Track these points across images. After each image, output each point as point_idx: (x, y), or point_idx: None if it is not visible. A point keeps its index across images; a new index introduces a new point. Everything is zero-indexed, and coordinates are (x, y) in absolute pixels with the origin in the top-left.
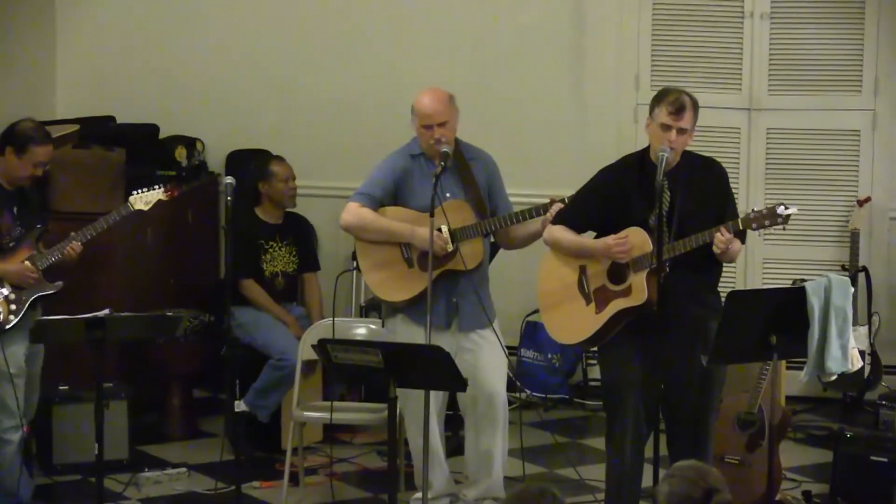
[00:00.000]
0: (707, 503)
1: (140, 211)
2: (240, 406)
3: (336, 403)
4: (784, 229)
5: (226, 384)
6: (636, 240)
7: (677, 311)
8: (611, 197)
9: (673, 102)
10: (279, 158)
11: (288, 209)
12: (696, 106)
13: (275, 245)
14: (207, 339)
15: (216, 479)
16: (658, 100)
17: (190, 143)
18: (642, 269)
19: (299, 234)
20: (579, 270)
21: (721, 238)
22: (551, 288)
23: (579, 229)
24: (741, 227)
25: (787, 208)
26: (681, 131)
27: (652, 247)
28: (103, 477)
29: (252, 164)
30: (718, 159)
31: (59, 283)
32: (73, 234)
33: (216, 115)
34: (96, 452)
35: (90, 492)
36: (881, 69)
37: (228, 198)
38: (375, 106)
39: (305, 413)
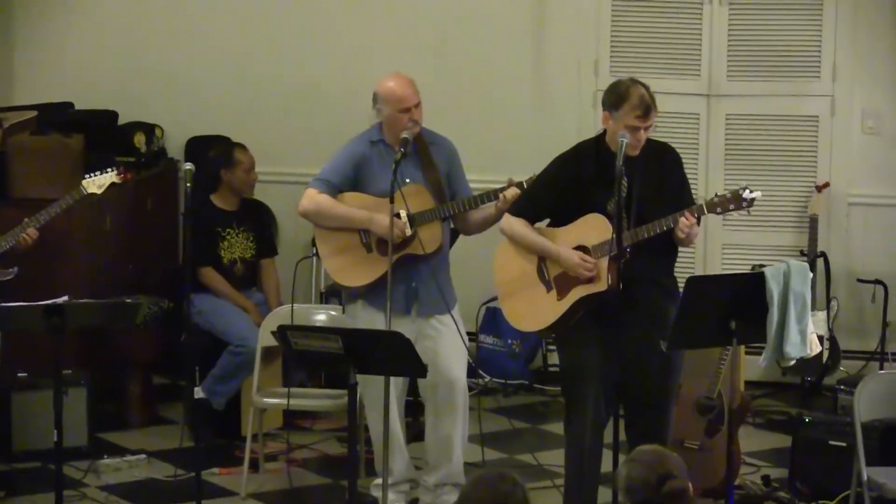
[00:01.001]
0: (660, 488)
1: (93, 194)
2: (199, 393)
3: (296, 390)
4: (749, 213)
5: (185, 371)
6: (596, 226)
7: (636, 296)
8: (568, 185)
9: (639, 105)
10: (242, 147)
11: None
12: (654, 99)
13: (232, 232)
14: (167, 326)
15: (176, 465)
16: (619, 100)
17: (149, 129)
18: (604, 256)
19: (256, 219)
20: (538, 258)
21: (686, 223)
22: (510, 276)
23: (537, 218)
24: (706, 212)
25: (751, 192)
26: (647, 129)
27: (612, 233)
28: (62, 464)
29: (213, 151)
30: (678, 145)
31: (14, 270)
32: (26, 220)
33: (175, 102)
34: (55, 439)
35: (49, 479)
36: (839, 55)
37: (188, 184)
38: (334, 92)
39: (265, 399)
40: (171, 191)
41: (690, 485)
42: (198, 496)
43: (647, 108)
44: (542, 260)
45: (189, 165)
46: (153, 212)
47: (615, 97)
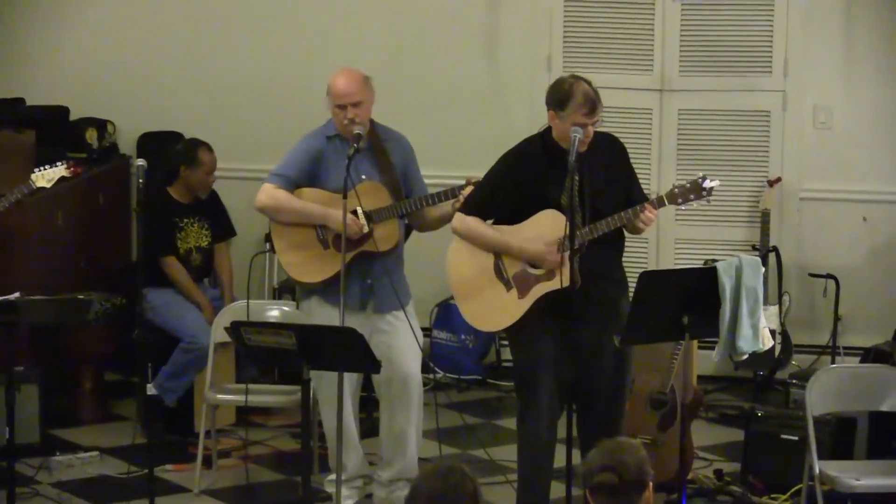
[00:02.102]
0: (593, 476)
1: (43, 188)
2: (151, 389)
3: (249, 386)
4: (708, 202)
5: (138, 367)
6: (552, 223)
7: (589, 290)
8: (520, 182)
9: (585, 103)
10: (208, 148)
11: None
12: (598, 94)
13: (188, 221)
14: (119, 323)
15: (128, 462)
16: (564, 98)
17: (101, 124)
18: (562, 252)
19: (208, 207)
20: (495, 256)
21: (650, 216)
22: (466, 276)
23: (489, 216)
24: (667, 203)
25: (710, 181)
26: (594, 124)
27: (568, 228)
28: (14, 461)
29: (180, 144)
30: (630, 140)
31: None
32: None
33: (128, 97)
34: (7, 437)
35: (1, 476)
36: (791, 50)
37: (140, 180)
38: (289, 87)
39: (218, 395)
40: (123, 187)
41: (650, 484)
42: (151, 493)
43: (593, 105)
44: (499, 259)
45: (141, 161)
46: (105, 208)
47: (559, 96)
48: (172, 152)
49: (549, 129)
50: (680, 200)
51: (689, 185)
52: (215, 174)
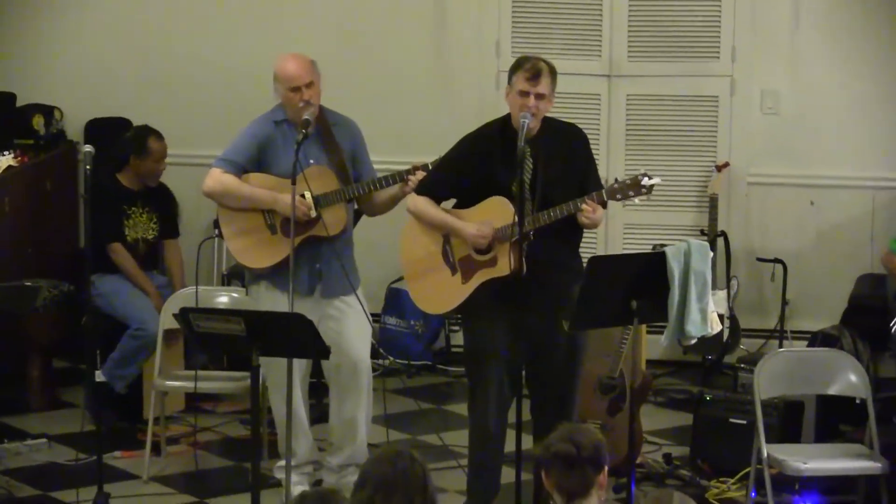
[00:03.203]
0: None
1: None
2: (100, 376)
3: (199, 372)
4: (648, 199)
5: (86, 354)
6: (499, 209)
7: (542, 278)
8: (474, 165)
9: (530, 69)
10: (158, 136)
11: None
12: (553, 72)
13: (136, 210)
14: (67, 309)
15: (77, 449)
16: (515, 67)
17: (48, 111)
18: (507, 239)
19: (159, 200)
20: (443, 240)
21: (588, 209)
22: (415, 257)
23: (443, 198)
24: (606, 198)
25: (650, 178)
26: (539, 96)
27: (515, 216)
28: None
29: (130, 132)
30: (579, 126)
31: None
32: None
33: (75, 83)
34: None
35: None
36: (738, 36)
37: (87, 167)
38: (237, 73)
39: (167, 382)
40: (70, 173)
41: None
42: (100, 480)
43: (537, 72)
44: (447, 242)
45: (89, 148)
46: (53, 194)
47: (512, 67)
48: (121, 141)
49: (510, 115)
50: (619, 196)
51: (628, 181)
52: (165, 162)
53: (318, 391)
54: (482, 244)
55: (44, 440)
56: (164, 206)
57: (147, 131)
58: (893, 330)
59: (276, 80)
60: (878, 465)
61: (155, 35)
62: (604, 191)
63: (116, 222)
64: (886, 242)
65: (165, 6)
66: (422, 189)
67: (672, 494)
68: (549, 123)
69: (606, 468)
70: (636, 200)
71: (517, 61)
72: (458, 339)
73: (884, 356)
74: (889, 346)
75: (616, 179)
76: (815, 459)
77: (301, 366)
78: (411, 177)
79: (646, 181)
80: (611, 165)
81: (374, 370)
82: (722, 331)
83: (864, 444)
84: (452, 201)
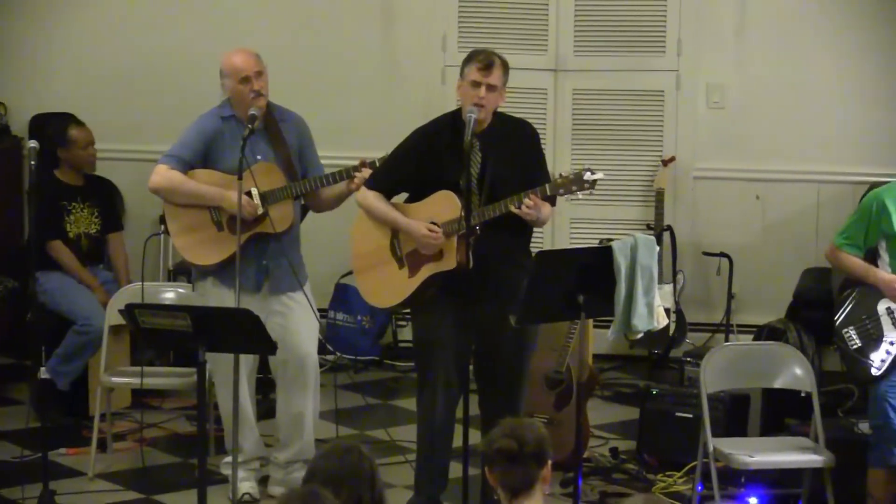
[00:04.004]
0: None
1: None
2: (44, 373)
3: (145, 368)
4: (591, 194)
5: (31, 351)
6: (447, 203)
7: (490, 274)
8: (423, 158)
9: (482, 59)
10: (78, 123)
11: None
12: (505, 66)
13: (77, 206)
14: (12, 306)
15: (22, 446)
16: (468, 59)
17: None
18: (454, 233)
19: (101, 194)
20: (391, 234)
21: (529, 203)
22: (364, 251)
23: (394, 191)
24: (549, 193)
25: (593, 173)
26: (490, 88)
27: (462, 210)
28: None
29: (49, 130)
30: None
31: None
32: None
33: (19, 78)
34: None
35: None
36: (684, 30)
37: (32, 162)
38: (183, 68)
39: (113, 378)
40: (14, 168)
41: (549, 462)
42: (45, 477)
43: (489, 63)
44: (395, 236)
45: (33, 143)
46: None
47: (465, 59)
48: (44, 137)
49: (461, 109)
50: (562, 191)
51: (572, 176)
52: (94, 147)
53: (264, 387)
54: (432, 246)
55: None
56: (105, 199)
57: (65, 121)
58: (837, 324)
59: (224, 75)
60: (823, 458)
61: (100, 29)
62: (547, 186)
63: (56, 219)
64: (832, 236)
65: (110, 1)
66: (372, 183)
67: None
68: (499, 118)
69: (550, 462)
70: (579, 195)
71: (470, 53)
72: (405, 334)
73: (829, 350)
74: (834, 339)
75: (560, 174)
76: (760, 453)
77: (248, 361)
78: (357, 173)
79: (589, 176)
80: (557, 160)
81: (321, 366)
82: (668, 325)
83: (809, 438)
84: (405, 195)
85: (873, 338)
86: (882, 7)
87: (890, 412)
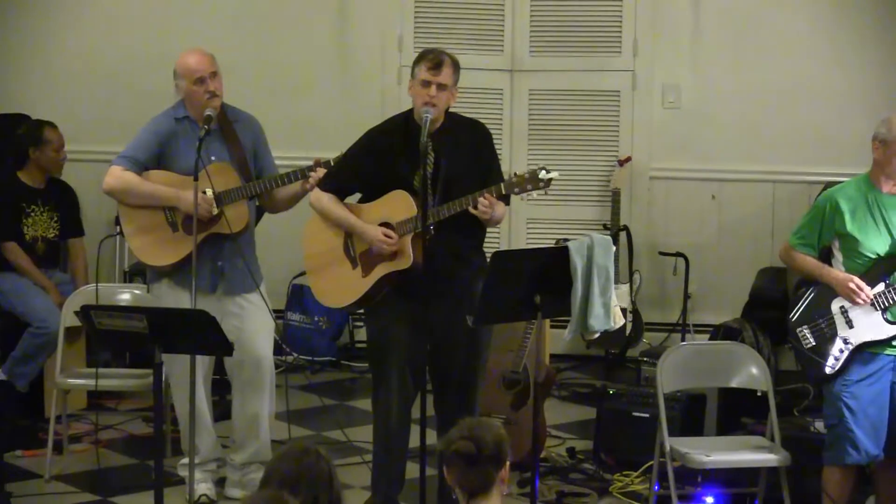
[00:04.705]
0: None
1: None
2: (1, 374)
3: (101, 370)
4: (546, 193)
5: None
6: (400, 203)
7: (444, 273)
8: (376, 159)
9: (432, 59)
10: (52, 126)
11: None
12: (456, 65)
13: (36, 209)
14: None
15: None
16: (418, 59)
17: None
18: (408, 233)
19: (62, 199)
20: (345, 234)
21: (484, 202)
22: (317, 251)
23: (348, 191)
24: (504, 192)
25: (547, 172)
26: (440, 87)
27: (417, 210)
28: None
29: (23, 128)
30: (482, 121)
31: None
32: None
33: None
34: None
35: None
36: (640, 30)
37: None
38: (138, 69)
39: (69, 380)
40: None
41: (507, 463)
42: (1, 479)
43: (439, 62)
44: (349, 236)
45: None
46: None
47: (415, 59)
48: (17, 137)
49: (413, 110)
50: (517, 190)
51: (527, 175)
52: (64, 150)
53: (220, 388)
54: (387, 251)
55: None
56: (65, 204)
57: (41, 123)
58: (792, 323)
59: (178, 76)
60: (779, 457)
61: (53, 30)
62: (502, 185)
63: (13, 221)
64: (787, 236)
65: (67, 2)
66: (325, 184)
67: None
68: (452, 118)
69: (508, 463)
70: (534, 194)
71: (420, 53)
72: (362, 334)
73: (784, 349)
74: (789, 338)
75: (514, 173)
76: (717, 452)
77: (204, 363)
78: (312, 173)
79: (543, 175)
80: (513, 160)
81: (277, 367)
82: (625, 325)
83: (765, 437)
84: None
85: (827, 337)
86: (834, 8)
87: (845, 411)
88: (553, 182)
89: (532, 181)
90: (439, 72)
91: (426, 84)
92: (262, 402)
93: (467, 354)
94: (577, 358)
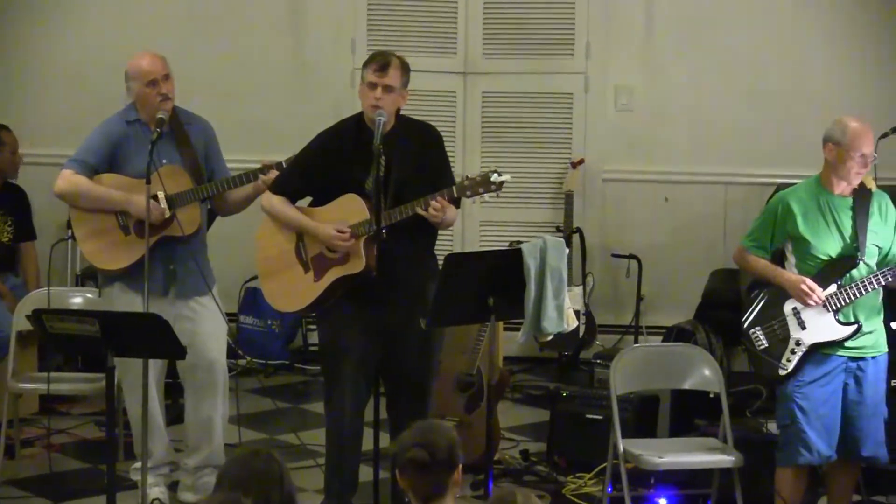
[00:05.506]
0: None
1: None
2: None
3: (53, 374)
4: (498, 196)
5: None
6: (352, 207)
7: (396, 276)
8: (327, 162)
9: (378, 61)
10: (6, 129)
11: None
12: (404, 66)
13: None
14: None
15: None
16: (366, 62)
17: None
18: (360, 237)
19: (16, 203)
20: (297, 237)
21: (436, 206)
22: (269, 255)
23: (298, 194)
24: (456, 195)
25: (500, 175)
26: (387, 88)
27: (369, 214)
28: None
29: None
30: (435, 123)
31: None
32: None
33: None
34: None
35: None
36: (592, 33)
37: None
38: (88, 70)
39: (21, 384)
40: None
41: (460, 466)
42: None
43: (385, 63)
44: (301, 240)
45: None
46: None
47: (364, 62)
48: None
49: (364, 112)
50: (469, 193)
51: (479, 178)
52: (20, 153)
53: (173, 391)
54: (342, 248)
55: None
56: (18, 208)
57: None
58: (745, 324)
59: (130, 79)
60: (732, 458)
61: (8, 33)
62: (454, 188)
63: None
64: (739, 238)
65: (20, 5)
66: (276, 187)
67: (515, 493)
68: (402, 121)
69: (461, 466)
70: (486, 197)
71: (369, 56)
72: (315, 337)
73: (737, 350)
74: (741, 340)
75: (466, 176)
76: (670, 453)
77: (156, 366)
78: (263, 175)
79: (496, 178)
80: (467, 162)
81: (230, 370)
82: (578, 327)
83: (718, 438)
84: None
85: (780, 338)
86: (785, 10)
87: (797, 412)
88: (505, 185)
89: (484, 184)
90: (385, 73)
91: (373, 86)
92: (215, 405)
93: (420, 357)
94: (530, 360)
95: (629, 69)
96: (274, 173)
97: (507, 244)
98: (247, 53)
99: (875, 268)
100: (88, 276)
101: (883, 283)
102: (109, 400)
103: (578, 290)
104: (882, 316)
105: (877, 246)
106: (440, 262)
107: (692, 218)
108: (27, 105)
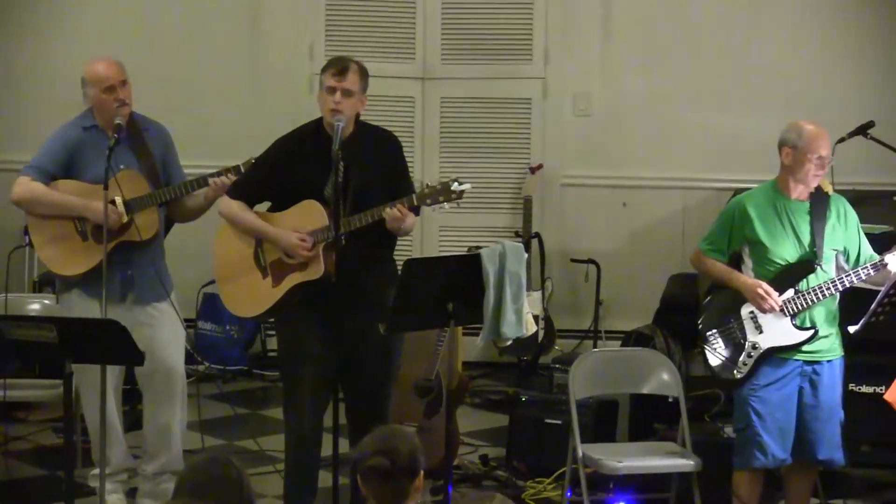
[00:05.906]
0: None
1: None
2: None
3: (9, 380)
4: (458, 205)
5: None
6: (312, 213)
7: (355, 282)
8: (286, 168)
9: (336, 65)
10: None
11: None
12: (362, 71)
13: None
14: None
15: None
16: (324, 67)
17: None
18: (319, 243)
19: None
20: (255, 243)
21: (396, 214)
22: (228, 260)
23: (257, 199)
24: (416, 203)
25: (460, 184)
26: (346, 92)
27: (328, 220)
28: None
29: None
30: (393, 129)
31: None
32: None
33: None
34: None
35: None
36: (551, 38)
37: None
38: (45, 77)
39: None
40: None
41: (422, 472)
42: None
43: (343, 68)
44: (259, 245)
45: None
46: None
47: (322, 68)
48: None
49: (323, 118)
50: (429, 202)
51: (439, 187)
52: None
53: (131, 398)
54: (304, 256)
55: None
56: None
57: None
58: (702, 328)
59: (87, 84)
60: (691, 462)
61: None
62: (414, 196)
63: None
64: (697, 242)
65: None
66: (234, 192)
67: (493, 497)
68: (361, 127)
69: (422, 472)
70: (446, 206)
71: (328, 61)
72: (274, 343)
73: (695, 354)
74: (698, 343)
75: (426, 185)
76: (629, 458)
77: (114, 372)
78: (219, 179)
79: (456, 187)
80: (426, 168)
81: (188, 376)
82: (537, 332)
83: (676, 442)
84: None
85: (736, 341)
86: (742, 12)
87: (752, 415)
88: (463, 194)
89: (444, 193)
90: (344, 77)
91: (331, 90)
92: (173, 411)
93: (379, 362)
94: (489, 365)
95: (587, 75)
96: (231, 177)
97: (466, 249)
98: (204, 59)
99: (833, 273)
100: (46, 283)
101: (840, 288)
102: (67, 406)
103: (537, 294)
104: (838, 320)
105: (836, 250)
106: (399, 268)
107: (650, 223)
108: None
